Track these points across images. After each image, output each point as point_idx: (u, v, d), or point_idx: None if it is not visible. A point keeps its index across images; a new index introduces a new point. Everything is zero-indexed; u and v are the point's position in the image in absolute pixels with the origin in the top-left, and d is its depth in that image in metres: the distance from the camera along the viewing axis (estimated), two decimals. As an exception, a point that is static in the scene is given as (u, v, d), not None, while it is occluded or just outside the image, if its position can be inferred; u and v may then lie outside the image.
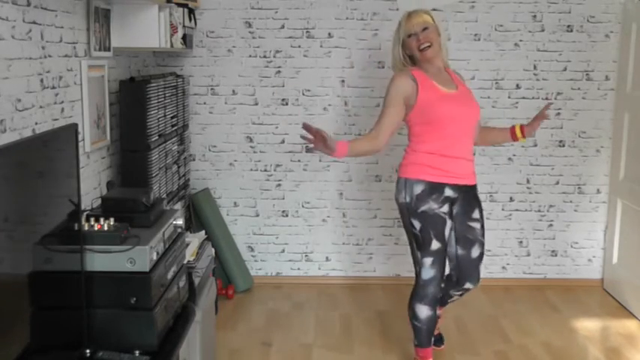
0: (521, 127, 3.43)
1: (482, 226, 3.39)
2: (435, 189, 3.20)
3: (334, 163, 4.54)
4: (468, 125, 3.28)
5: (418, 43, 3.24)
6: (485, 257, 4.55)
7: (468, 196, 3.33)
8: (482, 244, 3.40)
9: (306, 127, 3.01)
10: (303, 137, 3.07)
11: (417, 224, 3.23)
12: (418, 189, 3.21)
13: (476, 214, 3.35)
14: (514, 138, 3.46)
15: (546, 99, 4.48)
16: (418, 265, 3.29)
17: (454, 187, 3.24)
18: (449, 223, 3.26)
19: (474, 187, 3.36)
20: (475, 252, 3.38)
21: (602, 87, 4.49)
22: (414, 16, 3.27)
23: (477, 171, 4.49)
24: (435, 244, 3.23)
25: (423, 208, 3.20)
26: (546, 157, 4.55)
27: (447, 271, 3.42)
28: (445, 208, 3.23)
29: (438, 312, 3.49)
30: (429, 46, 3.24)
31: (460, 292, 3.49)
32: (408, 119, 3.27)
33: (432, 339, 3.40)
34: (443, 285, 3.37)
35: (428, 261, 3.24)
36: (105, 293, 2.22)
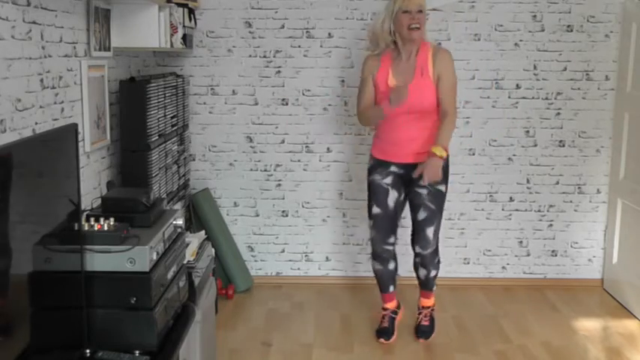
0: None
1: (431, 193, 3.62)
2: (381, 164, 3.68)
3: (334, 163, 4.54)
4: (412, 116, 3.54)
5: (410, 21, 3.46)
6: (485, 257, 4.63)
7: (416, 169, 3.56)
8: (428, 209, 3.64)
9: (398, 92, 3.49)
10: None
11: (367, 191, 3.76)
12: (370, 163, 3.75)
13: (422, 182, 3.57)
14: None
15: (546, 99, 4.48)
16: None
17: (399, 164, 3.63)
18: (392, 193, 3.67)
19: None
20: (421, 215, 3.67)
21: (602, 87, 4.49)
22: None
23: (477, 171, 4.54)
24: (376, 209, 3.71)
25: (370, 178, 3.72)
26: (546, 157, 4.55)
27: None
28: (389, 179, 3.66)
29: (421, 302, 3.88)
30: (418, 28, 3.48)
31: (418, 259, 3.77)
32: None
33: (390, 287, 3.85)
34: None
35: (370, 223, 3.76)
36: (105, 293, 2.22)
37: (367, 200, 3.76)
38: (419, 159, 3.54)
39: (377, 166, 3.68)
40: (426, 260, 3.73)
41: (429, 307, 3.88)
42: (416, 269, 3.83)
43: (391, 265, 3.80)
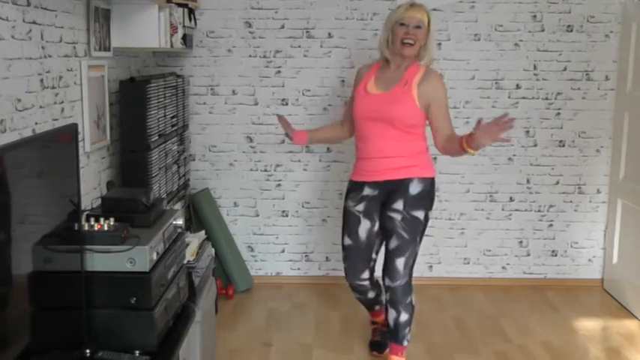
0: (467, 138, 3.06)
1: (405, 219, 3.21)
2: (354, 187, 3.36)
3: (334, 163, 4.54)
4: (387, 126, 3.21)
5: (404, 35, 3.21)
6: (485, 257, 4.62)
7: (392, 189, 3.25)
8: (400, 237, 3.22)
9: (278, 117, 3.56)
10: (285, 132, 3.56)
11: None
12: (348, 186, 3.44)
13: (397, 205, 3.22)
14: (462, 149, 3.10)
15: (546, 99, 4.48)
16: None
17: (372, 184, 3.28)
18: (364, 222, 3.31)
19: (401, 182, 3.24)
20: (392, 243, 3.25)
21: (602, 87, 4.49)
22: (416, 9, 3.25)
23: (477, 171, 4.54)
24: (347, 240, 3.38)
25: (344, 204, 3.41)
26: (546, 157, 4.55)
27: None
28: (361, 207, 3.31)
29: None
30: (411, 45, 3.22)
31: (387, 296, 3.29)
32: None
33: (375, 307, 3.63)
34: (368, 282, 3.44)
35: (342, 254, 3.43)
36: (105, 293, 2.22)
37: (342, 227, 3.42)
38: (395, 175, 3.23)
39: (351, 189, 3.36)
40: (396, 296, 3.24)
41: None
42: (385, 310, 3.35)
43: (370, 294, 3.50)
